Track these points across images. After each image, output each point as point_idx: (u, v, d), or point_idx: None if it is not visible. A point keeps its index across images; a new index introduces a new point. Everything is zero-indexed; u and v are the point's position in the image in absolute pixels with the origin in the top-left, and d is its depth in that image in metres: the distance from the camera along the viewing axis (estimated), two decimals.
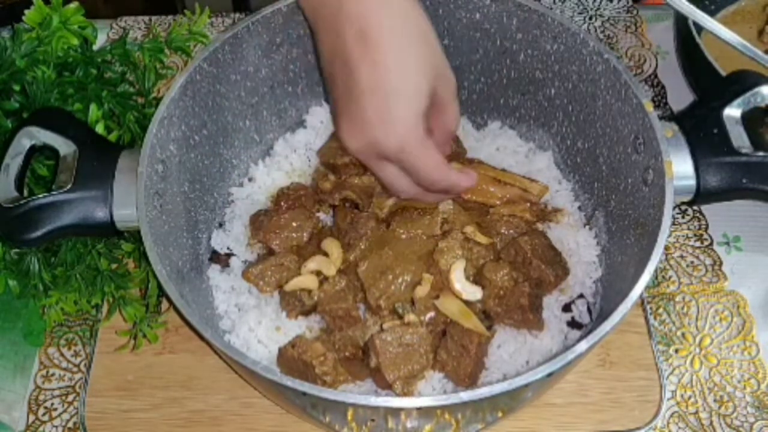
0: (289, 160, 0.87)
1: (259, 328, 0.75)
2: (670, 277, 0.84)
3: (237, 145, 0.85)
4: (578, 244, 0.79)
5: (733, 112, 0.69)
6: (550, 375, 0.56)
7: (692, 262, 0.85)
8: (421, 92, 0.61)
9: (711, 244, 0.87)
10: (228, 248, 0.82)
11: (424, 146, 0.63)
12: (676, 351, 0.80)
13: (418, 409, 0.57)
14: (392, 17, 0.60)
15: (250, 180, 0.87)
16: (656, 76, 1.01)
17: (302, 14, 0.73)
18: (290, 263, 0.78)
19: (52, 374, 0.80)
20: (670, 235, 0.78)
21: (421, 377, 0.72)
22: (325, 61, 0.65)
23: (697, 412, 0.76)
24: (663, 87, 1.00)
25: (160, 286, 0.70)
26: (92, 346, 0.80)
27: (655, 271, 0.61)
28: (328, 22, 0.61)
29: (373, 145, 0.62)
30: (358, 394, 0.63)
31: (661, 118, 0.68)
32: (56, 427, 0.77)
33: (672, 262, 0.85)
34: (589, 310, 0.77)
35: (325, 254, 0.77)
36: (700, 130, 0.69)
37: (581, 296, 0.77)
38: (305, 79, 0.85)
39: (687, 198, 0.68)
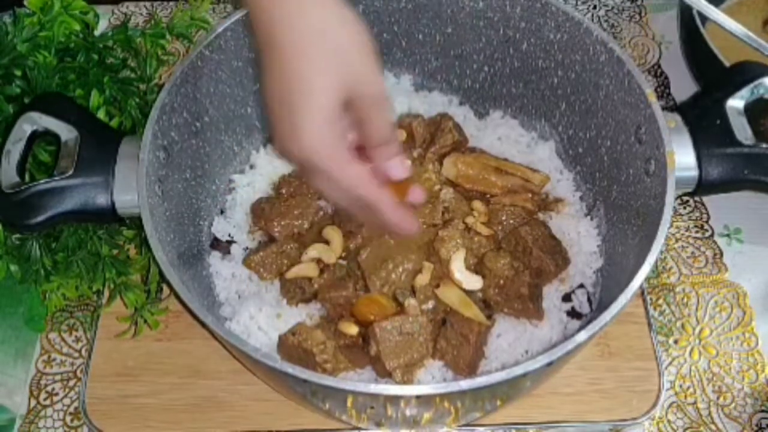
0: None
1: (259, 316, 0.75)
2: (670, 268, 0.84)
3: (238, 132, 0.85)
4: (579, 234, 0.79)
5: (736, 103, 0.69)
6: (549, 364, 0.56)
7: (693, 253, 0.85)
8: (326, 103, 0.58)
9: (712, 235, 0.87)
10: (229, 235, 0.82)
11: (337, 157, 0.60)
12: (676, 342, 0.80)
13: (418, 397, 0.57)
14: (299, 30, 0.58)
15: (251, 167, 0.87)
16: (659, 67, 1.01)
17: None
18: (291, 251, 0.78)
19: (54, 359, 0.80)
20: (671, 226, 0.78)
21: (421, 366, 0.72)
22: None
23: (695, 403, 0.76)
24: (666, 77, 0.99)
25: (160, 273, 0.70)
26: (93, 331, 0.81)
27: (656, 261, 0.61)
28: (255, 26, 0.61)
29: (289, 155, 0.61)
30: (358, 381, 0.63)
31: (663, 108, 0.68)
32: (57, 411, 0.77)
33: (672, 252, 0.85)
34: (589, 300, 0.77)
35: (326, 242, 0.77)
36: (703, 121, 0.69)
37: (581, 286, 0.77)
38: None
39: (689, 189, 0.68)
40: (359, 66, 0.60)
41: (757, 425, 0.75)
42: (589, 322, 0.60)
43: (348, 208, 0.65)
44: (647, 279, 0.81)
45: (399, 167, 0.65)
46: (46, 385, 0.79)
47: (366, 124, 0.62)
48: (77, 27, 0.79)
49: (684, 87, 0.98)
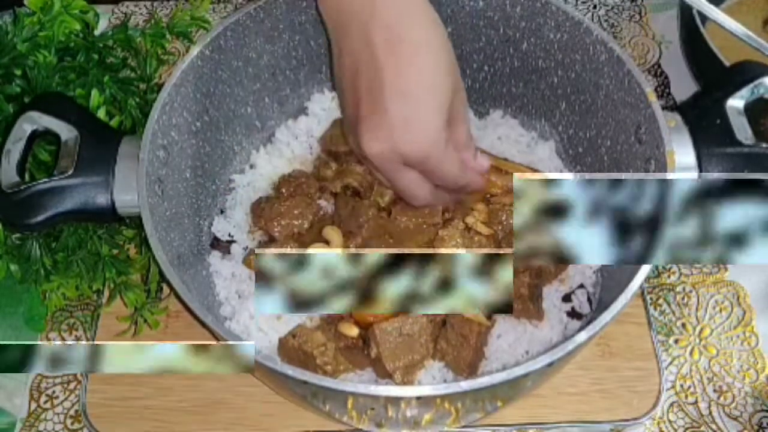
0: (291, 147, 0.86)
1: (259, 316, 0.75)
2: (670, 268, 0.84)
3: (238, 131, 0.84)
4: None
5: (736, 102, 0.69)
6: (550, 365, 0.56)
7: None
8: (447, 100, 0.63)
9: None
10: (229, 235, 0.82)
11: (448, 152, 0.65)
12: (676, 341, 0.80)
13: (418, 398, 0.57)
14: (424, 28, 0.63)
15: (251, 167, 0.87)
16: (659, 66, 1.01)
17: (320, 18, 0.73)
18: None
19: None
20: None
21: (421, 367, 0.72)
22: (346, 67, 0.66)
23: (696, 402, 0.76)
24: (666, 77, 0.99)
25: (160, 272, 0.70)
26: (93, 331, 0.81)
27: None
28: (357, 28, 0.63)
29: (396, 150, 0.63)
30: (359, 383, 0.63)
31: (663, 108, 0.68)
32: (58, 414, 0.77)
33: None
34: (590, 301, 0.77)
35: (326, 242, 0.77)
36: (703, 120, 0.69)
37: (581, 286, 0.77)
38: (307, 65, 0.85)
39: None
40: (458, 69, 0.66)
41: (758, 424, 0.75)
42: (589, 322, 0.60)
43: (432, 199, 0.71)
44: (647, 279, 0.81)
45: (486, 161, 0.74)
46: (46, 388, 0.79)
47: (456, 127, 0.66)
48: (77, 27, 0.79)
49: (684, 87, 0.97)
